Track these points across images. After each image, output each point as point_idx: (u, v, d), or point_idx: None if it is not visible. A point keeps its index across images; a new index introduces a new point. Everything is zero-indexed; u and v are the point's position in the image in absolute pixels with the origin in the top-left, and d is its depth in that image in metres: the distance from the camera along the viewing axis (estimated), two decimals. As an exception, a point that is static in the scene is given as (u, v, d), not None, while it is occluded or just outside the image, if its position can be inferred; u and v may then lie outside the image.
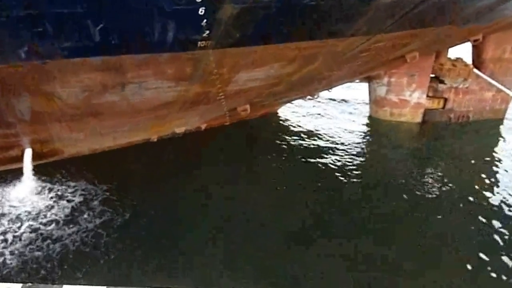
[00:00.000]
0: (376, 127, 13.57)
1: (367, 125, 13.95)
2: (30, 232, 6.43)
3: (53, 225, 6.43)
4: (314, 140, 11.80)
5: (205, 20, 6.45)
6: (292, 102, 15.03)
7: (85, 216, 6.47)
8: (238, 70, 8.42)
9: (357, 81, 14.82)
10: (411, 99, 13.68)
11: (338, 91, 15.89)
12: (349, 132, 12.74)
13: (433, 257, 6.01)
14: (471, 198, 7.76)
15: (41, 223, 6.55)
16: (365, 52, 9.93)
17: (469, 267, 5.82)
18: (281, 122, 13.68)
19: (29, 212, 6.90)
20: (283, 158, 9.79)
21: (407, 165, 10.13)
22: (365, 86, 14.73)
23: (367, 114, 14.81)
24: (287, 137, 11.64)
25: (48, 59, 6.36)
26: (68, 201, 7.13)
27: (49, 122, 8.15)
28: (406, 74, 13.26)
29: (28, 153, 8.41)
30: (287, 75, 9.54)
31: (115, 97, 7.83)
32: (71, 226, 6.26)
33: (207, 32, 6.77)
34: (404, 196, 7.82)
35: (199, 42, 6.97)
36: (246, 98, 10.39)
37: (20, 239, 6.19)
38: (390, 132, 12.95)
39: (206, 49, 7.19)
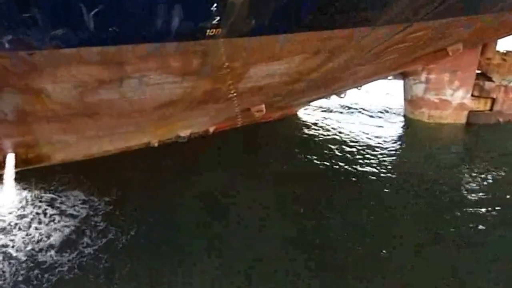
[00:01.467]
0: (412, 131, 13.50)
1: (401, 128, 13.93)
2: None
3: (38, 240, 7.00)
4: (338, 145, 11.90)
5: (215, 5, 6.42)
6: (315, 101, 15.07)
7: (87, 234, 7.08)
8: (253, 64, 8.39)
9: (390, 78, 14.72)
10: (453, 99, 13.49)
11: (367, 89, 15.99)
12: (378, 137, 12.73)
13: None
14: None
15: (14, 240, 6.95)
16: (400, 43, 9.82)
17: None
18: (300, 123, 13.91)
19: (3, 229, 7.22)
20: (298, 162, 10.38)
21: (447, 175, 10.07)
22: (399, 83, 14.64)
23: (401, 116, 14.74)
24: (304, 139, 12.28)
25: (36, 50, 6.32)
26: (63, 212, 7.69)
27: (35, 122, 8.14)
28: (448, 70, 13.06)
29: (10, 159, 8.36)
30: (309, 70, 9.51)
31: (112, 94, 7.83)
32: (67, 250, 6.77)
33: (217, 18, 6.72)
34: (448, 214, 8.08)
35: (208, 31, 6.92)
36: (261, 96, 10.39)
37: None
38: (428, 136, 12.96)
39: (216, 39, 7.15)
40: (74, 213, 7.66)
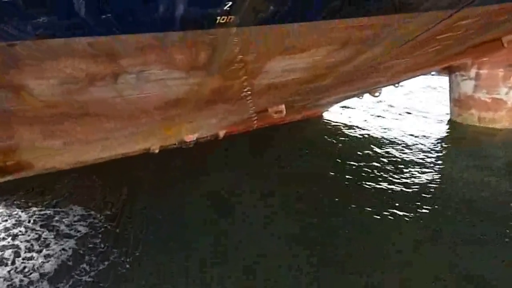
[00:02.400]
0: (459, 136, 13.42)
1: (445, 133, 13.85)
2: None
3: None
4: (363, 150, 12.14)
5: (226, -13, 6.45)
6: (343, 101, 15.20)
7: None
8: (270, 57, 8.39)
9: (434, 73, 14.64)
10: (509, 99, 13.29)
11: (406, 86, 16.21)
12: (418, 144, 12.75)
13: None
14: None
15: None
16: (446, 32, 9.71)
17: None
18: (323, 125, 14.29)
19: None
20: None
21: (500, 190, 9.98)
22: (444, 80, 14.78)
23: (447, 118, 14.71)
24: (330, 142, 12.89)
25: (17, 40, 6.33)
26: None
27: (16, 125, 8.17)
28: (502, 65, 12.88)
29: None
30: (337, 64, 9.49)
31: (105, 92, 7.87)
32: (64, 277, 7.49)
33: (229, 4, 6.72)
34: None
35: (218, 18, 6.91)
36: (280, 95, 10.42)
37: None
38: (477, 143, 12.81)
39: (228, 28, 7.14)
40: (75, 229, 8.58)
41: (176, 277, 7.25)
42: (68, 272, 7.41)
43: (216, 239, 8.17)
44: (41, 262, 7.68)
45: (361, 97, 14.33)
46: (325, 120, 14.85)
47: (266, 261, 7.60)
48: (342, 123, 14.57)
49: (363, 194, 9.63)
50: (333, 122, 14.83)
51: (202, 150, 11.33)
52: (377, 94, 13.40)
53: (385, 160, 11.60)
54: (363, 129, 14.02)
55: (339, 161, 11.44)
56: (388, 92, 14.81)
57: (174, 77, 8.00)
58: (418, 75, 13.65)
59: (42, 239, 8.23)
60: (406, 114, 15.34)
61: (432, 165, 11.41)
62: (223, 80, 8.66)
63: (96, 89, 7.67)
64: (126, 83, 7.75)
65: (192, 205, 9.22)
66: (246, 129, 12.33)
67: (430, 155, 12.01)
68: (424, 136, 13.42)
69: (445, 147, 12.74)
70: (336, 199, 9.45)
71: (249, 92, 9.31)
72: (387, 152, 12.13)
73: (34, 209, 9.14)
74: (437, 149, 12.53)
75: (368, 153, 11.99)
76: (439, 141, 13.15)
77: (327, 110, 15.21)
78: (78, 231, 8.39)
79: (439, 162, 11.66)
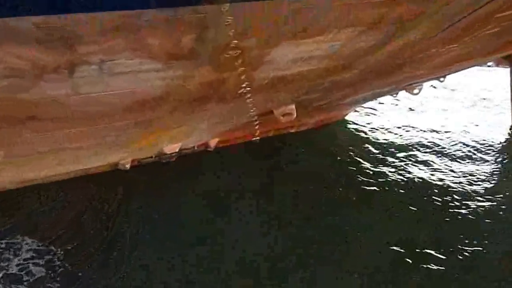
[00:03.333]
0: None
1: (503, 141, 14.18)
2: None
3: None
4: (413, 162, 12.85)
5: None
6: (372, 100, 15.36)
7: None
8: (275, 43, 8.43)
9: (490, 64, 14.56)
10: None
11: (454, 81, 16.52)
12: (472, 157, 13.22)
13: None
14: None
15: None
16: (509, 9, 9.73)
17: None
18: (344, 132, 15.02)
19: None
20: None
21: None
22: (504, 73, 14.90)
23: (509, 124, 14.89)
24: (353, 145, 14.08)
25: None
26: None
27: None
28: None
29: None
30: (364, 51, 9.56)
31: (59, 88, 7.90)
32: None
33: (221, -30, 6.72)
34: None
35: (206, -10, 6.94)
36: (289, 93, 10.52)
37: None
38: None
39: (219, 3, 7.20)
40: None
41: (173, 275, 8.82)
42: (61, 276, 8.62)
43: (212, 238, 9.78)
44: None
45: (395, 94, 14.49)
46: (349, 124, 15.35)
47: (263, 260, 9.21)
48: (367, 128, 15.20)
49: (365, 195, 11.34)
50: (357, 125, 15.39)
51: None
52: (416, 91, 13.44)
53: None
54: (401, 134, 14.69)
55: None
56: (431, 87, 15.58)
57: (148, 69, 8.03)
58: (469, 66, 13.64)
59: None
60: (452, 117, 15.82)
61: (493, 179, 12.18)
62: (214, 73, 8.71)
63: (46, 84, 7.67)
64: (86, 76, 7.77)
65: (188, 204, 10.86)
66: (245, 138, 12.51)
67: (486, 167, 12.60)
68: (478, 144, 13.95)
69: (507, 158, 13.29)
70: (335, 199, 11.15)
71: (249, 88, 9.33)
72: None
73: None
74: (495, 160, 13.05)
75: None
76: (497, 150, 13.61)
77: (349, 113, 15.43)
78: (67, 232, 9.69)
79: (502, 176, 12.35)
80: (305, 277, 8.84)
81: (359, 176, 12.17)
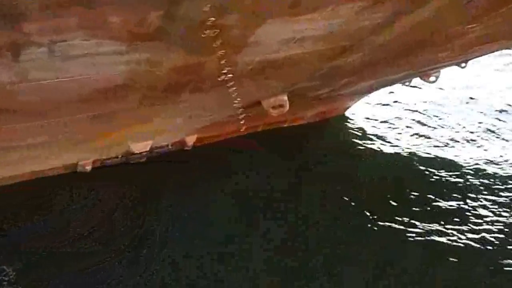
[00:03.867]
0: None
1: None
2: None
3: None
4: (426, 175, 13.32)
5: None
6: (380, 90, 15.35)
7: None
8: (262, 20, 8.38)
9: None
10: None
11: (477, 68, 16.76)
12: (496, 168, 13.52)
13: None
14: None
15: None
16: None
17: None
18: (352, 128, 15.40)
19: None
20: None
21: None
22: None
23: None
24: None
25: None
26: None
27: None
28: None
29: None
30: (369, 31, 9.53)
31: (0, 73, 7.85)
32: None
33: None
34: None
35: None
36: (280, 81, 10.55)
37: None
38: None
39: None
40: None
41: (201, 273, 9.80)
42: (92, 274, 9.53)
43: (240, 237, 10.76)
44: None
45: (408, 83, 14.54)
46: (351, 120, 15.71)
47: (290, 260, 10.11)
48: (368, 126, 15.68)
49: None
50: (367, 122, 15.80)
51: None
52: (432, 78, 13.44)
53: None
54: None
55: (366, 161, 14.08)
56: (449, 76, 15.49)
57: (108, 52, 7.97)
58: (495, 50, 13.73)
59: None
60: (473, 112, 16.25)
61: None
62: (188, 57, 8.67)
63: (-14, 69, 7.65)
64: (34, 60, 7.71)
65: (217, 203, 11.89)
66: (229, 134, 12.67)
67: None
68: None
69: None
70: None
71: (231, 75, 9.31)
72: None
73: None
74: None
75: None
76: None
77: (350, 106, 15.53)
78: (99, 229, 10.57)
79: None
80: (332, 278, 9.75)
81: (387, 176, 13.31)
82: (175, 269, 9.95)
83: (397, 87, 16.18)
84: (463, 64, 13.53)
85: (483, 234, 11.16)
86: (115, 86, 8.83)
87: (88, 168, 11.44)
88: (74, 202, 11.36)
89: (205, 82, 9.64)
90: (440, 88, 17.39)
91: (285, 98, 11.23)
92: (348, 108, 15.53)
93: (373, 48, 10.22)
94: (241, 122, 11.62)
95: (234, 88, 9.82)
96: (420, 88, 17.13)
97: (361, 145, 14.82)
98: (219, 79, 9.38)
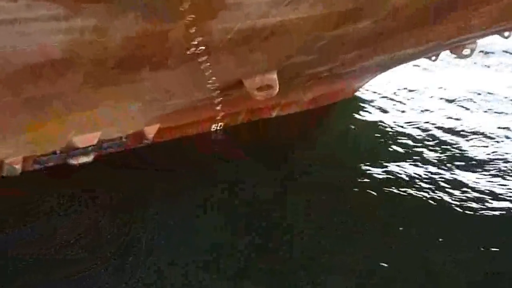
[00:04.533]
0: None
1: None
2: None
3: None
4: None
5: None
6: (395, 67, 15.44)
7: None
8: None
9: None
10: None
11: None
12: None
13: None
14: None
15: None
16: None
17: None
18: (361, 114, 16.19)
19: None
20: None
21: None
22: None
23: None
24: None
25: None
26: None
27: None
28: None
29: None
30: None
31: None
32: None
33: None
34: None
35: None
36: (267, 54, 10.47)
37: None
38: None
39: None
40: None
41: (187, 281, 10.79)
42: (78, 281, 10.41)
43: (226, 246, 11.92)
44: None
45: (434, 58, 14.47)
46: (362, 105, 16.31)
47: (276, 268, 11.24)
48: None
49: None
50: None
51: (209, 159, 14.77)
52: (467, 51, 13.38)
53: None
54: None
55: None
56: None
57: (43, 17, 7.90)
58: None
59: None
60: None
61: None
62: (148, 23, 8.57)
63: None
64: None
65: (203, 212, 13.08)
66: (201, 125, 12.96)
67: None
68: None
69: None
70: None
71: (203, 47, 9.33)
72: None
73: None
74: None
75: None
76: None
77: (360, 87, 15.65)
78: (85, 237, 11.39)
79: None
80: (316, 286, 10.89)
81: (372, 186, 14.23)
82: (161, 277, 10.99)
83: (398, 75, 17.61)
84: (506, 33, 13.56)
85: (478, 243, 12.22)
86: (51, 61, 8.66)
87: (18, 167, 11.28)
88: (61, 209, 12.41)
89: (169, 57, 9.53)
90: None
91: (274, 76, 11.10)
92: (357, 90, 15.64)
93: (388, 12, 10.19)
94: (217, 108, 11.86)
95: (208, 64, 9.85)
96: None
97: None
98: (188, 52, 9.37)
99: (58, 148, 11.46)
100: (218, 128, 13.68)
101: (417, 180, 14.63)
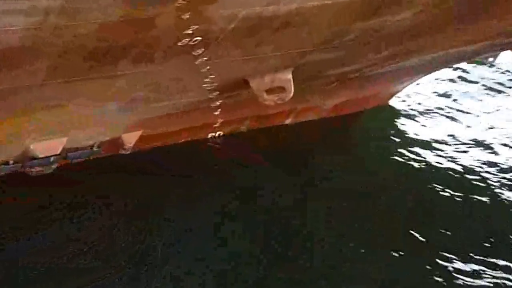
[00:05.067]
0: None
1: None
2: None
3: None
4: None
5: None
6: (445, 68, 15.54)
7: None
8: None
9: None
10: None
11: None
12: None
13: None
14: None
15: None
16: None
17: None
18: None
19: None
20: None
21: None
22: None
23: None
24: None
25: None
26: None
27: None
28: None
29: None
30: None
31: None
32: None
33: None
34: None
35: None
36: (281, 49, 10.23)
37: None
38: None
39: None
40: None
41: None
42: (94, 285, 11.29)
43: (245, 254, 12.72)
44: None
45: (492, 58, 14.58)
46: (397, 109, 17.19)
47: (296, 275, 12.03)
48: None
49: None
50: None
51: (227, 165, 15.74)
52: None
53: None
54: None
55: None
56: None
57: None
58: None
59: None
60: None
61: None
62: (130, 7, 8.37)
63: None
64: None
65: (221, 219, 13.93)
66: (192, 132, 13.07)
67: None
68: None
69: None
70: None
71: (199, 38, 9.12)
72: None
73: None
74: None
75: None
76: None
77: (398, 92, 15.78)
78: (99, 245, 12.21)
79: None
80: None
81: (395, 193, 15.32)
82: (177, 287, 11.70)
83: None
84: None
85: (500, 259, 12.73)
86: (8, 49, 8.44)
87: None
88: (74, 216, 13.19)
89: (157, 48, 9.28)
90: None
91: (288, 77, 10.79)
92: (393, 95, 15.61)
93: (433, 1, 9.91)
94: (216, 113, 11.81)
95: (205, 58, 9.63)
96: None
97: (368, 160, 17.13)
98: (179, 43, 9.13)
99: (11, 157, 11.37)
100: (216, 136, 13.71)
101: (444, 187, 15.35)
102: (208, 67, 9.88)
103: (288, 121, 14.58)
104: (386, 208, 14.60)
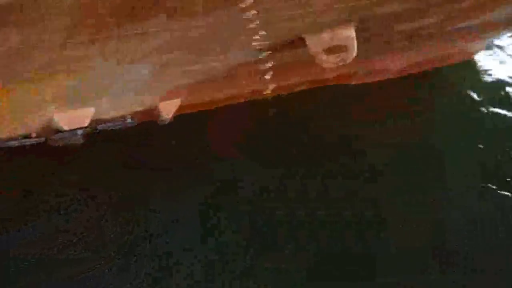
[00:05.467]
0: None
1: None
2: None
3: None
4: None
5: None
6: None
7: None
8: None
9: None
10: None
11: None
12: None
13: None
14: None
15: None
16: None
17: None
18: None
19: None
20: None
21: None
22: None
23: None
24: None
25: None
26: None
27: None
28: None
29: None
30: None
31: None
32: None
33: None
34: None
35: None
36: (340, 2, 9.96)
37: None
38: None
39: None
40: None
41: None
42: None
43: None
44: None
45: None
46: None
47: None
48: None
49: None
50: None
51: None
52: None
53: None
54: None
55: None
56: None
57: None
58: None
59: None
60: None
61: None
62: None
63: None
64: None
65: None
66: (238, 98, 12.75)
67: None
68: None
69: None
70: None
71: None
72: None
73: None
74: None
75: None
76: None
77: (481, 49, 15.21)
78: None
79: None
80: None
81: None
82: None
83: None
84: None
85: None
86: (19, 4, 8.25)
87: None
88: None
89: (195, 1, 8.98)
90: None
91: (351, 34, 10.48)
92: (477, 52, 15.04)
93: None
94: (266, 77, 11.31)
95: (255, 11, 9.32)
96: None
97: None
98: None
99: (33, 129, 11.25)
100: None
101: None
102: (257, 22, 9.60)
103: (353, 82, 13.68)
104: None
